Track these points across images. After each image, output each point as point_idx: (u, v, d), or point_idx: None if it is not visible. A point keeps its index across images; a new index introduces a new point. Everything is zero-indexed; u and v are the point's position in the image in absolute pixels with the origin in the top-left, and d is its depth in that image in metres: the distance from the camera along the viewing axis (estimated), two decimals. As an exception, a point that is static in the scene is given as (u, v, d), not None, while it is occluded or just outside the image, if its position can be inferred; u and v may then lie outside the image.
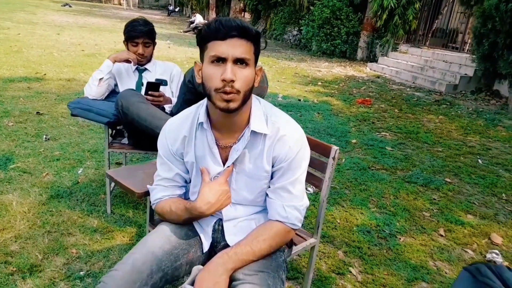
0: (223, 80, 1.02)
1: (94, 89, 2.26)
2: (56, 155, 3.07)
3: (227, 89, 1.03)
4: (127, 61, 2.31)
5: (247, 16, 19.62)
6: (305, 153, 1.20)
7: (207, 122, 1.17)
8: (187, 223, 1.26)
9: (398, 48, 10.13)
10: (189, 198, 1.32)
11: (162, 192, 1.27)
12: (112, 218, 2.31)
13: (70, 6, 23.72)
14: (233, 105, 1.05)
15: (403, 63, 9.10)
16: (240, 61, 1.04)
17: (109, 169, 2.36)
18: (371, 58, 11.02)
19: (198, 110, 1.21)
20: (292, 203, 1.19)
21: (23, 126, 3.60)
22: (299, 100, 5.84)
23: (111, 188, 2.39)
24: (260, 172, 1.19)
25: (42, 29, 11.51)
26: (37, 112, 4.00)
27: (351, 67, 10.06)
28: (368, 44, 11.17)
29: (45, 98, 4.56)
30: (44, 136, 3.39)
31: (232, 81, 1.02)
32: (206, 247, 1.25)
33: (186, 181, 1.30)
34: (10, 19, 13.06)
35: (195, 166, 1.23)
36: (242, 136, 1.16)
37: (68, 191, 2.54)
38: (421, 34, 10.21)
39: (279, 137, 1.15)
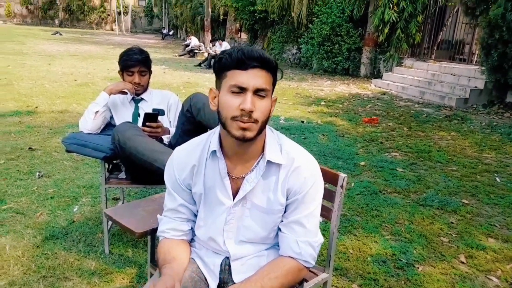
0: (242, 110, 1.06)
1: (89, 123, 2.31)
2: (50, 193, 3.09)
3: (245, 118, 1.06)
4: (124, 92, 2.36)
5: (244, 36, 20.06)
6: (320, 185, 1.22)
7: (219, 150, 1.19)
8: None
9: (403, 62, 10.30)
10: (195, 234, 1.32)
11: (167, 224, 1.28)
12: (110, 258, 2.30)
13: (60, 34, 24.34)
14: (249, 134, 1.08)
15: (409, 78, 9.23)
16: (259, 92, 1.08)
17: (106, 206, 2.38)
18: (375, 74, 11.19)
19: (210, 138, 1.23)
20: (306, 238, 1.20)
21: (15, 163, 3.65)
22: (302, 122, 5.90)
23: (109, 227, 2.40)
24: (274, 205, 1.20)
25: (33, 59, 11.78)
26: (30, 148, 4.05)
27: (355, 84, 10.19)
28: (371, 60, 11.37)
29: (38, 133, 4.63)
30: (37, 173, 3.42)
31: (251, 111, 1.06)
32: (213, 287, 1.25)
33: (194, 214, 1.30)
34: (-1, 51, 13.38)
35: (203, 198, 1.24)
36: (256, 166, 1.18)
37: (64, 231, 2.55)
38: (426, 47, 10.40)
39: (294, 168, 1.17)
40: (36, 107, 5.91)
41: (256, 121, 1.08)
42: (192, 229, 1.31)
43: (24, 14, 40.79)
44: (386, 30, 10.05)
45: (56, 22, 39.88)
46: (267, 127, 1.20)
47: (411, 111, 6.98)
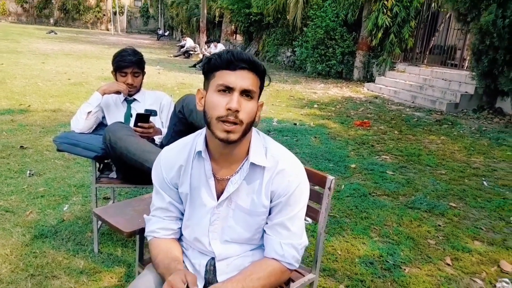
0: (228, 109, 1.07)
1: (81, 123, 2.30)
2: (40, 191, 3.07)
3: (231, 118, 1.07)
4: (117, 92, 2.36)
5: (239, 38, 20.08)
6: (305, 188, 1.23)
7: (205, 151, 1.20)
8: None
9: (395, 67, 10.38)
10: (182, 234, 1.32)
11: (157, 224, 1.28)
12: (99, 257, 2.29)
13: (55, 33, 24.19)
14: (233, 136, 1.09)
15: (401, 83, 9.30)
16: (246, 93, 1.10)
17: (96, 205, 2.37)
18: (368, 78, 11.26)
19: (196, 139, 1.24)
20: (290, 240, 1.20)
21: (5, 161, 3.62)
22: (295, 124, 5.92)
23: (99, 226, 2.39)
24: (258, 207, 1.21)
25: (26, 58, 11.70)
26: (21, 146, 4.03)
27: (348, 88, 10.25)
28: (364, 64, 11.45)
29: (29, 131, 4.60)
30: (28, 172, 3.40)
31: (237, 111, 1.07)
32: None
33: (181, 213, 1.31)
34: (-7, 49, 13.27)
35: (189, 198, 1.25)
36: (241, 168, 1.19)
37: (53, 230, 2.53)
38: (419, 52, 10.49)
39: (278, 170, 1.18)
40: (29, 105, 5.87)
41: (241, 122, 1.09)
42: (180, 228, 1.31)
43: (19, 12, 40.46)
44: (379, 35, 10.13)
45: (51, 21, 39.60)
46: (254, 129, 1.21)
47: (402, 115, 7.03)
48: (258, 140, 1.21)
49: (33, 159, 3.74)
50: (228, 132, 1.08)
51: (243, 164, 1.19)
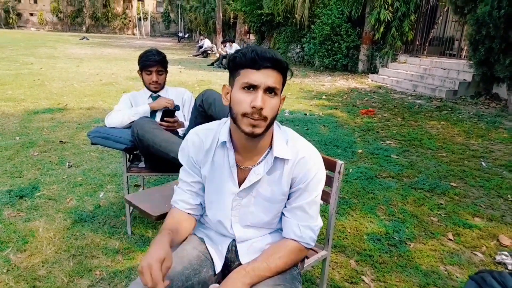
0: (253, 107, 1.04)
1: (117, 124, 2.30)
2: (78, 180, 3.12)
3: (255, 116, 1.04)
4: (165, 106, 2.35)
5: (252, 37, 19.89)
6: (322, 176, 1.20)
7: (229, 142, 1.17)
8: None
9: (397, 58, 10.11)
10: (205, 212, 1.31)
11: (179, 196, 1.27)
12: (132, 239, 2.32)
13: (87, 39, 24.44)
14: (258, 130, 1.07)
15: (403, 73, 9.07)
16: (270, 90, 1.06)
17: (128, 192, 2.39)
18: (372, 69, 11.02)
19: (220, 127, 1.21)
20: (307, 223, 1.19)
21: (47, 155, 3.68)
22: (305, 114, 5.84)
23: (130, 211, 2.41)
24: (278, 195, 1.18)
25: (63, 62, 11.86)
26: (60, 141, 4.09)
27: (354, 79, 10.06)
28: (368, 57, 11.19)
29: (67, 127, 4.67)
30: (67, 163, 3.45)
31: (261, 108, 1.04)
32: (218, 267, 1.23)
33: (203, 190, 1.28)
34: (33, 55, 13.51)
35: (209, 181, 1.23)
36: (264, 160, 1.17)
37: (91, 215, 2.57)
38: (419, 44, 10.18)
39: (299, 159, 1.15)
40: (66, 104, 5.95)
41: (265, 118, 1.06)
42: (201, 204, 1.29)
43: (54, 21, 41.02)
44: (381, 29, 9.87)
45: (83, 28, 40.04)
46: (275, 123, 1.17)
47: (405, 103, 6.86)
48: (280, 133, 1.18)
49: (71, 152, 3.80)
50: (253, 126, 1.06)
51: (266, 156, 1.16)
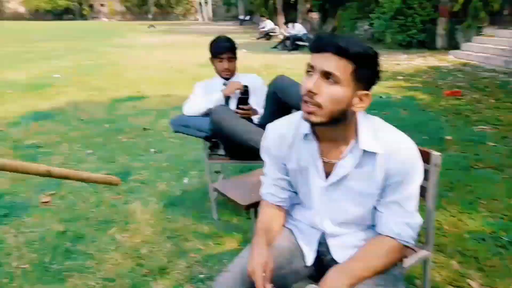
0: (306, 90, 1.02)
1: (195, 112, 2.37)
2: (164, 166, 3.30)
3: (306, 98, 1.01)
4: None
5: (315, 16, 19.25)
6: (419, 167, 1.11)
7: (312, 134, 1.14)
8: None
9: (482, 32, 9.08)
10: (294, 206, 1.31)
11: (267, 189, 1.28)
12: (220, 224, 2.40)
13: (154, 27, 25.62)
14: (314, 118, 1.03)
15: (491, 48, 8.14)
16: (327, 76, 1.00)
17: (211, 180, 2.48)
18: (453, 45, 10.05)
19: (301, 118, 1.18)
20: (405, 219, 1.11)
21: (134, 141, 3.96)
22: (381, 97, 5.53)
23: (215, 197, 2.50)
24: (370, 189, 1.12)
25: (136, 51, 12.60)
26: (144, 128, 4.37)
27: (432, 57, 9.29)
28: (447, 31, 10.22)
29: (148, 115, 4.97)
30: (152, 150, 3.68)
31: (313, 92, 1.00)
32: (309, 260, 1.22)
33: (290, 184, 1.27)
34: (108, 45, 14.54)
35: (297, 174, 1.21)
36: (350, 152, 1.10)
37: (179, 199, 2.72)
38: (508, 14, 9.02)
39: (392, 151, 1.07)
40: (144, 92, 6.31)
41: (319, 105, 1.00)
42: (289, 197, 1.29)
43: (123, 11, 43.62)
44: (461, -1, 8.90)
45: (150, 16, 42.06)
46: (361, 113, 1.09)
47: (497, 82, 6.17)
48: (366, 122, 1.10)
49: (154, 138, 4.04)
50: (308, 113, 1.02)
51: (353, 148, 1.10)
